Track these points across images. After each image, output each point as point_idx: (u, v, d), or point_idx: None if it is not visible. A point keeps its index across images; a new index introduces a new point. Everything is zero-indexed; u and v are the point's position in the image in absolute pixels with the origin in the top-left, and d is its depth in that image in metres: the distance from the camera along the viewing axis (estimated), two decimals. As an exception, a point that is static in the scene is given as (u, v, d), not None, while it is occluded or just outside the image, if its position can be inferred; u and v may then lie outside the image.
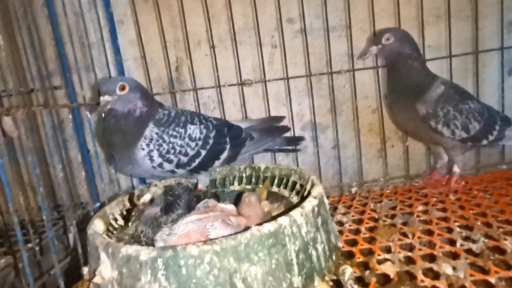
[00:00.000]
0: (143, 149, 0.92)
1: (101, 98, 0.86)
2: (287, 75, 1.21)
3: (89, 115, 1.04)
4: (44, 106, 0.77)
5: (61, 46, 1.18)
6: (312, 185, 0.84)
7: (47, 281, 0.95)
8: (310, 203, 0.71)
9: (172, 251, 0.59)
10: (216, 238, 0.62)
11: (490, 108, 1.06)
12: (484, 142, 1.03)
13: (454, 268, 0.69)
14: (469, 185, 1.08)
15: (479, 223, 0.84)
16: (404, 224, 0.90)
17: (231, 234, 0.67)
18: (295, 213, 0.67)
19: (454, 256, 0.74)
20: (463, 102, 1.01)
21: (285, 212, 0.69)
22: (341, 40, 1.24)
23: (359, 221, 0.95)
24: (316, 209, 0.72)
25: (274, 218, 0.66)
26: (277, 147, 1.19)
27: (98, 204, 1.14)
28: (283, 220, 0.65)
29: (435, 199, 1.02)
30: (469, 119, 1.00)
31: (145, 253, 0.60)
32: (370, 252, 0.79)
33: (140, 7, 1.25)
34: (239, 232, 0.62)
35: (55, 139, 1.05)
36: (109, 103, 0.87)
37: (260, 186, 1.05)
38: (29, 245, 0.95)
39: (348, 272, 0.69)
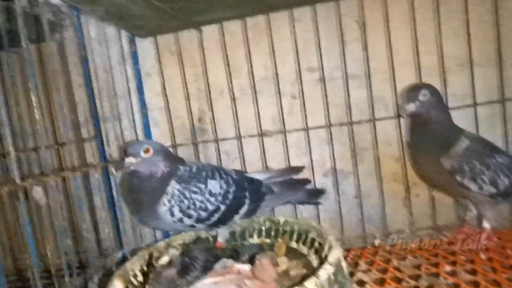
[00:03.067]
0: (164, 205, 0.95)
1: (126, 159, 0.90)
2: (307, 126, 1.23)
3: (114, 172, 1.09)
4: (73, 169, 0.82)
5: (92, 100, 1.26)
6: (330, 248, 0.82)
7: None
8: (325, 272, 0.69)
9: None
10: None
11: (520, 161, 1.02)
12: (515, 197, 0.98)
13: None
14: (502, 242, 1.02)
15: (511, 290, 0.79)
16: (430, 287, 0.85)
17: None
18: (309, 283, 0.66)
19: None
20: (490, 156, 0.97)
21: (300, 282, 0.67)
22: (361, 89, 1.25)
23: (381, 282, 0.91)
24: (332, 277, 0.71)
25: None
26: (298, 201, 1.18)
27: (120, 253, 1.16)
28: (297, 293, 0.64)
29: (464, 257, 0.97)
30: (497, 174, 0.96)
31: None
32: (393, 320, 0.76)
33: (166, 61, 1.32)
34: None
35: (83, 196, 1.10)
36: (133, 164, 0.91)
37: (279, 240, 1.04)
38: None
39: None
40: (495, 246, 1.00)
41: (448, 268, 0.93)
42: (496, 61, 1.16)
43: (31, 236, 0.68)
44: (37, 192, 0.72)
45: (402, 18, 1.19)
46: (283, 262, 0.94)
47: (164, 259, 0.81)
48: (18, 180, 0.67)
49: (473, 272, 0.90)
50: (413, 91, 0.99)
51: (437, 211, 1.23)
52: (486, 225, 1.02)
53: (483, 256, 0.96)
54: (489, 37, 1.16)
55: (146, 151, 0.93)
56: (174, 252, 0.82)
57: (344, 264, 0.80)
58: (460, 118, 1.12)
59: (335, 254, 0.77)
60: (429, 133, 1.00)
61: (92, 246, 1.11)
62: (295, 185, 1.14)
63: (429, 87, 1.00)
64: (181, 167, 1.00)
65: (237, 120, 1.25)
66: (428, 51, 1.19)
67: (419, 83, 1.12)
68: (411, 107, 0.97)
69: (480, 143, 0.99)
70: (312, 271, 0.69)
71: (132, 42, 1.29)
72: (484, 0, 1.15)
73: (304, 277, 0.69)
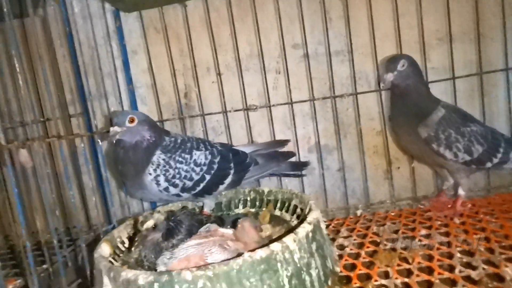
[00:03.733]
0: (150, 174, 0.97)
1: (111, 128, 0.92)
2: (291, 100, 1.25)
3: (100, 142, 1.11)
4: (58, 137, 0.83)
5: (79, 77, 1.27)
6: (309, 210, 0.86)
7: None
8: (303, 229, 0.73)
9: (168, 276, 0.62)
10: (210, 264, 0.65)
11: (493, 130, 1.06)
12: (489, 164, 1.02)
13: (450, 296, 0.69)
14: (476, 208, 1.07)
15: (481, 249, 0.83)
16: (405, 248, 0.89)
17: (227, 259, 0.70)
18: (288, 239, 0.69)
19: (452, 283, 0.73)
20: (465, 124, 1.01)
21: (279, 237, 0.71)
22: (344, 65, 1.27)
23: (360, 245, 0.95)
24: (310, 234, 0.74)
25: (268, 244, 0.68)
26: (282, 172, 1.21)
27: (111, 226, 1.19)
28: (275, 246, 0.67)
29: (439, 222, 1.01)
30: (472, 142, 1.00)
31: (143, 277, 0.63)
32: (368, 277, 0.79)
33: (152, 39, 1.33)
34: (232, 258, 0.65)
35: (70, 166, 1.12)
36: (118, 133, 0.93)
37: (264, 209, 1.08)
38: (44, 266, 1.00)
39: (342, 298, 0.70)
40: (469, 211, 1.05)
41: (423, 231, 0.97)
42: (474, 36, 1.19)
43: (18, 198, 0.70)
44: (23, 155, 0.73)
45: (384, -6, 1.22)
46: (267, 229, 0.98)
47: (149, 223, 0.83)
48: (3, 142, 0.68)
49: (447, 234, 0.94)
50: (392, 61, 1.01)
51: (417, 184, 1.28)
52: (461, 192, 1.06)
53: (457, 220, 1.00)
54: (468, 12, 1.19)
55: (131, 120, 0.95)
56: (159, 217, 0.84)
57: (323, 225, 0.83)
58: (440, 92, 1.16)
59: (314, 214, 0.80)
60: (407, 104, 1.04)
61: (81, 220, 1.13)
62: (279, 157, 1.17)
63: (407, 58, 1.03)
64: (166, 138, 1.02)
65: (223, 95, 1.27)
66: (409, 26, 1.22)
67: (398, 54, 1.15)
68: (390, 76, 1.00)
69: (455, 112, 1.03)
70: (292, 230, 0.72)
71: (117, 17, 1.29)
72: (463, -24, 1.17)
73: (284, 235, 0.72)
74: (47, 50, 1.27)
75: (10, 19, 0.88)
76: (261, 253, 0.65)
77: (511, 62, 1.18)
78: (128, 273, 0.65)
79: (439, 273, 0.76)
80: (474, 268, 0.76)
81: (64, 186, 1.13)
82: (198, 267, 0.63)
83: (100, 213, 1.22)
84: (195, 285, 0.61)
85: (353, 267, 0.84)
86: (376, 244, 0.95)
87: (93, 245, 1.07)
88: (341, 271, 0.82)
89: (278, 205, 1.06)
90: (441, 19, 1.20)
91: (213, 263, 0.68)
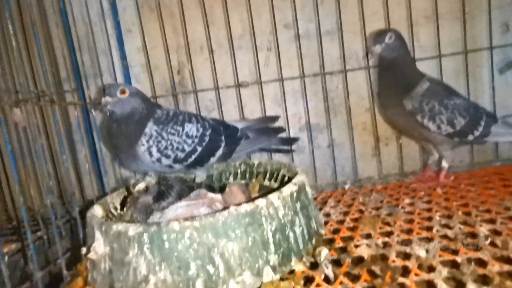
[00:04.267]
0: (143, 145, 0.99)
1: (103, 99, 0.94)
2: (281, 77, 1.28)
3: (93, 112, 1.13)
4: (52, 102, 0.86)
5: (73, 53, 1.29)
6: (295, 174, 0.89)
7: (54, 269, 1.03)
8: (288, 188, 0.76)
9: (156, 227, 0.65)
10: (197, 216, 0.68)
11: (476, 104, 1.09)
12: (470, 137, 1.05)
13: (427, 251, 0.72)
14: (459, 180, 1.10)
15: (459, 213, 0.86)
16: (389, 215, 0.93)
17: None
18: (273, 196, 0.72)
19: (429, 240, 0.76)
20: (448, 97, 1.04)
21: (264, 194, 0.74)
22: (334, 43, 1.30)
23: (346, 213, 0.99)
24: (295, 194, 0.77)
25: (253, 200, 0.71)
26: (273, 147, 1.24)
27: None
28: (260, 202, 0.70)
29: (423, 193, 1.05)
30: (455, 114, 1.03)
31: (133, 229, 0.66)
32: (350, 238, 0.83)
33: (147, 17, 1.35)
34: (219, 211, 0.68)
35: (64, 138, 1.14)
36: (109, 103, 0.95)
37: (253, 180, 1.11)
38: (38, 233, 1.03)
39: (324, 253, 0.73)
40: (452, 183, 1.08)
41: (407, 200, 1.00)
42: (460, 15, 1.22)
43: (13, 160, 0.72)
44: (16, 115, 0.76)
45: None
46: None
47: (141, 185, 0.86)
48: (-4, 101, 0.71)
49: (429, 202, 0.97)
50: (380, 34, 1.05)
51: (404, 160, 1.31)
52: (444, 164, 1.10)
53: (439, 190, 1.04)
54: (455, -9, 1.22)
55: (122, 92, 0.97)
56: (151, 180, 0.87)
57: (308, 189, 0.86)
58: (427, 69, 1.19)
59: (300, 177, 0.83)
60: (394, 76, 1.07)
61: (75, 191, 1.16)
62: (270, 132, 1.19)
63: (395, 31, 1.06)
64: (158, 111, 1.05)
65: (215, 72, 1.30)
66: (397, 4, 1.25)
67: (386, 28, 1.17)
68: (378, 48, 1.03)
69: (439, 85, 1.06)
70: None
71: (111, -6, 1.31)
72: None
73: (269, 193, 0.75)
74: (41, 27, 1.29)
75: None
76: (246, 207, 0.68)
77: (495, 41, 1.21)
78: (118, 226, 0.68)
79: (417, 233, 0.79)
80: (451, 228, 0.80)
81: (59, 158, 1.15)
82: (186, 219, 0.66)
83: (94, 185, 1.24)
84: (182, 235, 0.65)
85: (337, 230, 0.87)
86: (361, 212, 0.98)
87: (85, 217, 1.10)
88: (325, 234, 0.86)
89: (267, 175, 1.09)
90: (429, -3, 1.23)
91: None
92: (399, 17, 1.25)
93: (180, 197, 0.87)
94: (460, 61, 1.25)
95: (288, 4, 1.28)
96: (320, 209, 1.04)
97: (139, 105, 1.00)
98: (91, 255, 0.70)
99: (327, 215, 1.00)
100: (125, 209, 0.87)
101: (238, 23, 1.32)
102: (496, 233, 0.75)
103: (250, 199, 0.86)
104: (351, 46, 1.29)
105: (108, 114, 0.98)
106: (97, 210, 0.85)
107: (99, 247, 0.70)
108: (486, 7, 1.20)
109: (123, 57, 1.34)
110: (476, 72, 1.26)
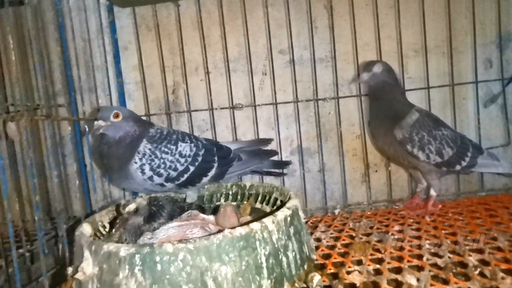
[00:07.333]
0: (136, 162, 0.99)
1: (95, 122, 0.94)
2: (275, 101, 1.30)
3: (87, 129, 1.12)
4: (46, 117, 0.85)
5: (68, 68, 1.28)
6: (289, 199, 0.89)
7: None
8: (282, 213, 0.76)
9: (149, 248, 0.64)
10: (191, 238, 0.67)
11: (463, 136, 1.13)
12: (458, 167, 1.08)
13: (418, 280, 0.72)
14: (446, 209, 1.12)
15: (448, 242, 0.88)
16: (379, 241, 0.94)
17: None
18: (267, 220, 0.72)
19: (420, 269, 0.77)
20: (437, 128, 1.08)
21: (259, 218, 0.74)
22: (328, 70, 1.34)
23: (337, 238, 0.99)
24: (288, 219, 0.77)
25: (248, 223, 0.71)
26: (265, 170, 1.25)
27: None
28: (255, 225, 0.70)
29: (412, 220, 1.06)
30: (443, 145, 1.06)
31: (124, 249, 0.65)
32: (342, 264, 0.83)
33: (144, 36, 1.37)
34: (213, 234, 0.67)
35: (55, 153, 1.12)
36: (102, 127, 0.95)
37: (245, 203, 1.10)
38: (20, 250, 1.00)
39: (316, 279, 0.73)
40: (440, 211, 1.10)
41: (397, 227, 1.02)
42: (447, 50, 1.28)
43: (3, 175, 0.71)
44: (11, 128, 0.74)
45: (366, 6, 1.30)
46: (247, 220, 1.00)
47: (131, 206, 0.84)
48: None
49: (418, 229, 0.99)
50: (369, 64, 1.09)
51: (393, 188, 1.34)
52: (432, 192, 1.12)
53: (428, 218, 1.06)
54: (442, 28, 1.29)
55: (116, 116, 0.97)
56: (141, 201, 0.86)
57: (301, 214, 0.87)
58: (416, 100, 1.23)
59: (293, 202, 0.84)
60: (383, 107, 1.10)
61: (62, 207, 1.13)
62: (262, 155, 1.20)
63: (384, 63, 1.11)
64: (151, 130, 1.04)
65: (210, 93, 1.31)
66: (389, 37, 1.30)
67: (376, 59, 1.22)
68: (365, 76, 1.08)
69: (428, 116, 1.10)
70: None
71: (110, 12, 1.32)
72: (438, -4, 1.27)
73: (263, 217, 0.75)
74: (38, 40, 1.29)
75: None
76: (241, 230, 0.68)
77: (480, 76, 1.27)
78: (109, 246, 0.67)
79: (408, 261, 0.80)
80: (440, 257, 0.81)
81: (46, 172, 1.13)
82: (180, 240, 0.65)
83: (81, 202, 1.22)
84: (175, 257, 0.63)
85: (328, 256, 0.87)
86: (352, 237, 0.99)
87: (72, 234, 1.07)
88: (317, 259, 0.85)
89: (259, 198, 1.09)
90: (418, 32, 1.28)
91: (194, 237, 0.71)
92: (390, 49, 1.30)
93: (171, 218, 0.86)
94: (447, 93, 1.30)
95: (284, 31, 1.32)
96: (311, 234, 1.04)
97: (131, 128, 1.00)
98: (79, 275, 0.68)
99: (318, 239, 1.00)
100: (113, 230, 0.85)
101: (234, 47, 1.35)
102: (485, 263, 0.76)
103: (244, 222, 0.85)
104: (343, 74, 1.33)
105: (100, 137, 0.98)
106: (86, 229, 0.83)
107: (87, 268, 0.68)
108: (471, 44, 1.26)
109: (119, 73, 1.34)
110: (462, 104, 1.31)
